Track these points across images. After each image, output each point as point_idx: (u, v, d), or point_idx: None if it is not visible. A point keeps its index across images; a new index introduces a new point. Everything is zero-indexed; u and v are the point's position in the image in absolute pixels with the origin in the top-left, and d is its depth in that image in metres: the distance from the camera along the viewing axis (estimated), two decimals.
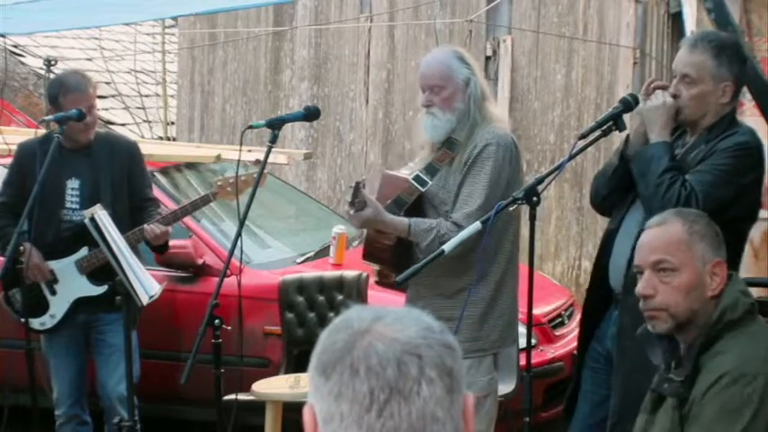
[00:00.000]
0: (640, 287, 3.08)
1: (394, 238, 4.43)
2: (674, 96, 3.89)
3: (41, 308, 5.36)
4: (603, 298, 4.08)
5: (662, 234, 3.08)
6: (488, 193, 4.31)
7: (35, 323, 5.36)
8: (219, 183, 5.23)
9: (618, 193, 4.09)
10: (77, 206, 5.27)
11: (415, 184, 4.42)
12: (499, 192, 4.34)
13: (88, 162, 5.33)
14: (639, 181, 3.87)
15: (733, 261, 3.68)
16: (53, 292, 5.36)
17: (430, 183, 4.41)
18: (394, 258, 4.47)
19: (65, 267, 5.33)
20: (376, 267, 4.64)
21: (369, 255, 4.57)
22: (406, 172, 4.55)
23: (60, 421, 5.45)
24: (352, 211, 4.29)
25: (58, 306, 5.36)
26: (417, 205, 4.43)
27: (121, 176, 5.35)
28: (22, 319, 5.31)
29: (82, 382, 5.48)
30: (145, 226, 5.17)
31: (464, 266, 4.32)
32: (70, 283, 5.32)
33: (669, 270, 3.03)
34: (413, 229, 4.32)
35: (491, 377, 4.49)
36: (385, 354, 1.55)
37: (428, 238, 4.29)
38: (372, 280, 4.92)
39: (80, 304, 5.34)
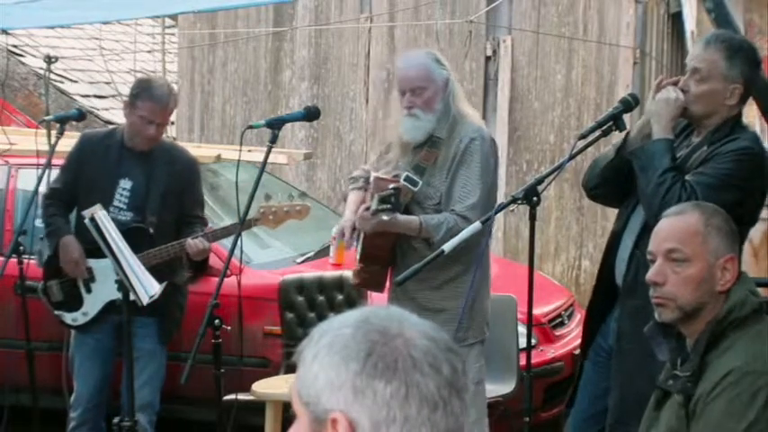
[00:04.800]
0: (651, 273, 3.07)
1: (393, 239, 4.47)
2: (684, 91, 3.89)
3: (76, 304, 5.36)
4: (609, 294, 4.09)
5: (678, 223, 3.07)
6: (483, 185, 4.47)
7: (68, 318, 5.36)
8: (262, 210, 5.19)
9: (608, 185, 4.10)
10: (124, 206, 5.26)
11: (408, 185, 4.49)
12: (490, 183, 4.53)
13: (145, 167, 5.31)
14: (641, 176, 3.87)
15: None
16: (89, 290, 5.34)
17: (420, 182, 4.50)
18: (392, 258, 4.52)
19: (103, 267, 5.26)
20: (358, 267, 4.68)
21: (366, 257, 4.60)
22: (379, 173, 4.58)
23: (74, 423, 5.40)
24: (385, 217, 4.29)
25: (92, 305, 5.34)
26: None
27: (174, 188, 5.33)
28: (56, 312, 5.32)
29: (105, 386, 5.43)
30: (188, 240, 5.16)
31: (450, 260, 4.37)
32: (106, 284, 5.27)
33: (681, 260, 3.02)
34: (424, 226, 4.43)
35: (480, 365, 4.58)
36: (434, 352, 1.56)
37: (440, 233, 4.40)
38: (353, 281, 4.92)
39: (113, 306, 5.28)
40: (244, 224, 5.32)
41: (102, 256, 5.27)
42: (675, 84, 3.93)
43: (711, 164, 3.83)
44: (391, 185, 4.35)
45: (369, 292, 5.98)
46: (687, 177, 3.81)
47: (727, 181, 3.79)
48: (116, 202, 5.29)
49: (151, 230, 5.17)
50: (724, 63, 3.86)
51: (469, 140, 4.47)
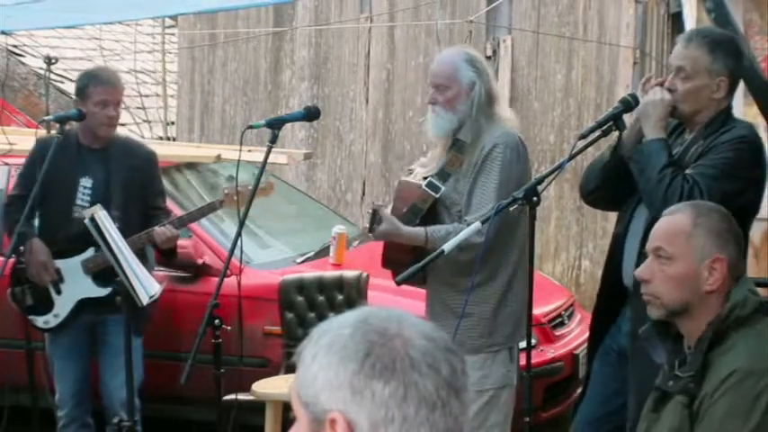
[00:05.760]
0: (639, 270, 3.11)
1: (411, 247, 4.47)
2: (670, 91, 3.91)
3: (46, 307, 5.36)
4: (616, 296, 4.09)
5: (667, 222, 3.08)
6: (499, 194, 4.34)
7: (39, 321, 5.36)
8: (226, 191, 5.23)
9: (606, 188, 4.10)
10: (87, 204, 5.26)
11: (429, 191, 4.46)
12: (509, 191, 4.36)
13: (103, 163, 5.34)
14: (640, 178, 3.88)
15: None
16: (58, 292, 5.34)
17: (443, 188, 4.45)
18: (415, 262, 4.49)
19: (71, 267, 5.31)
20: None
21: (389, 261, 4.58)
22: (423, 171, 4.58)
23: (63, 423, 5.42)
24: (370, 235, 4.38)
25: (63, 306, 5.35)
26: (431, 208, 4.47)
27: (135, 181, 5.35)
28: (28, 317, 5.31)
29: (86, 383, 5.45)
30: (155, 228, 5.19)
31: (474, 264, 4.34)
32: (75, 284, 5.31)
33: (665, 258, 3.03)
34: (430, 238, 4.36)
35: (507, 370, 4.52)
36: (433, 352, 1.56)
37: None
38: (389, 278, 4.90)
39: (85, 305, 5.32)
40: (210, 208, 5.35)
41: (68, 256, 5.30)
42: (662, 84, 3.94)
43: (710, 155, 3.85)
44: (372, 209, 4.41)
45: (368, 292, 6.01)
46: (688, 171, 3.82)
47: (727, 170, 3.80)
48: (78, 201, 5.30)
49: (117, 225, 5.15)
50: (707, 58, 3.88)
51: (491, 147, 4.39)
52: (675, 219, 3.06)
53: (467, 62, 4.51)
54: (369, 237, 4.48)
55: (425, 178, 4.49)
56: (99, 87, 5.25)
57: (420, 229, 4.39)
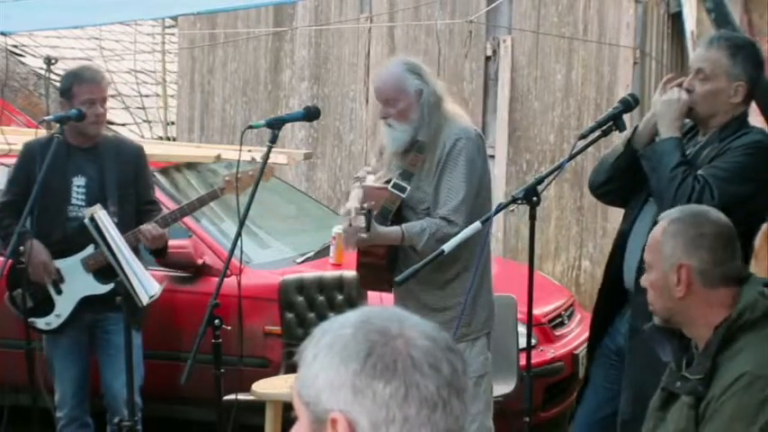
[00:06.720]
0: (642, 279, 3.17)
1: (386, 245, 4.53)
2: (689, 91, 3.90)
3: (47, 308, 5.34)
4: (617, 295, 4.09)
5: (652, 232, 3.14)
6: (468, 185, 4.50)
7: (40, 323, 5.34)
8: (227, 178, 5.24)
9: (617, 181, 4.10)
10: (83, 203, 5.26)
11: (396, 191, 4.55)
12: (476, 182, 4.55)
13: (94, 161, 5.33)
14: (652, 176, 3.88)
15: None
16: (59, 292, 5.33)
17: (408, 188, 4.55)
18: (389, 264, 4.56)
19: (71, 266, 5.31)
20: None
21: (363, 266, 4.65)
22: (374, 177, 4.67)
23: (62, 423, 5.40)
24: (364, 235, 4.38)
25: (64, 305, 5.34)
26: (397, 210, 4.57)
27: (127, 178, 5.36)
28: (29, 319, 5.29)
29: (86, 383, 5.44)
30: (141, 227, 5.17)
31: (451, 259, 4.40)
32: (76, 282, 5.30)
33: (648, 267, 3.10)
34: (407, 235, 4.48)
35: (485, 357, 4.65)
36: (434, 352, 1.56)
37: (423, 239, 4.46)
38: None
39: (86, 303, 5.31)
40: (211, 196, 5.35)
41: (65, 255, 5.29)
42: (680, 85, 3.94)
43: (724, 158, 3.86)
44: (365, 205, 4.41)
45: (369, 292, 6.00)
46: (700, 172, 3.83)
47: (740, 174, 3.81)
48: (73, 201, 5.30)
49: (116, 220, 5.13)
50: (727, 61, 3.88)
51: (454, 142, 4.50)
52: (656, 228, 3.11)
53: (409, 71, 4.59)
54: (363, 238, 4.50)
55: (389, 181, 4.55)
56: (84, 86, 5.24)
57: (395, 228, 4.50)
